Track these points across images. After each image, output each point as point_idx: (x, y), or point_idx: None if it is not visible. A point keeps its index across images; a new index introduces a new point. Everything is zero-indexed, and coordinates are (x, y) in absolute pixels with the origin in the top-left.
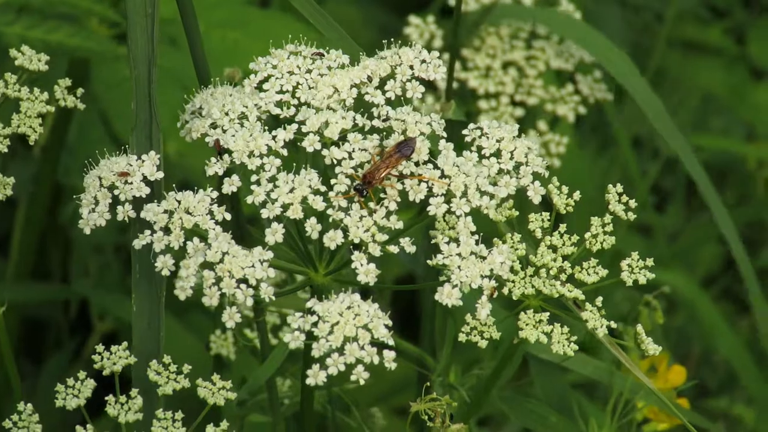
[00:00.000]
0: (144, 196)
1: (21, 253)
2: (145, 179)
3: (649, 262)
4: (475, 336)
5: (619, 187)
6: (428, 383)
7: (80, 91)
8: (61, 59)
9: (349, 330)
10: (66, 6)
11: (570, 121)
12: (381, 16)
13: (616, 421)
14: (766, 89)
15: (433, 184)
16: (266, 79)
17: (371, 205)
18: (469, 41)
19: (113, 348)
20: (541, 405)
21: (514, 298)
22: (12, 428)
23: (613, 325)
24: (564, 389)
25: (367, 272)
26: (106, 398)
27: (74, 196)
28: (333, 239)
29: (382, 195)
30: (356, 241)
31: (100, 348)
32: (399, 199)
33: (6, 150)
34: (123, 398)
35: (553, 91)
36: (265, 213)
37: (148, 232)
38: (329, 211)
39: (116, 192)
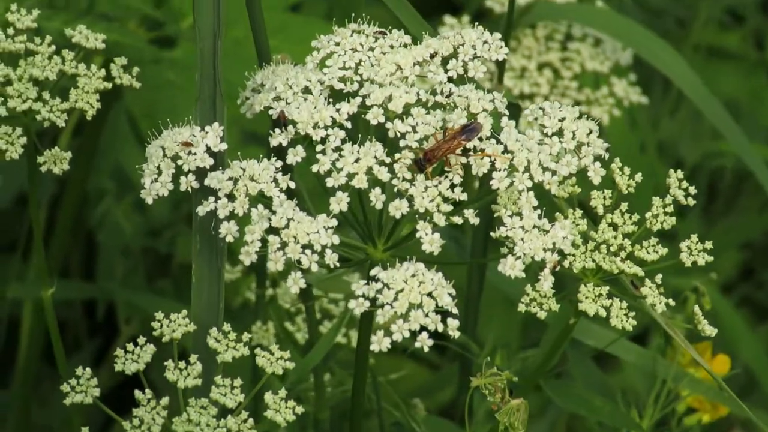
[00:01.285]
0: (207, 167)
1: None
2: (208, 150)
3: (708, 244)
4: (534, 307)
5: (680, 173)
6: (488, 359)
7: (136, 69)
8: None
9: (413, 297)
10: (106, 2)
11: (605, 123)
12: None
13: (658, 411)
14: None
15: (495, 159)
16: (329, 56)
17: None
18: (506, 42)
19: (172, 316)
20: (585, 389)
21: (575, 271)
22: (70, 392)
23: (672, 302)
24: (603, 377)
25: (431, 242)
26: (165, 363)
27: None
28: (398, 208)
29: (446, 168)
30: (421, 210)
31: (160, 316)
32: (462, 173)
33: (63, 125)
34: (182, 364)
35: (587, 93)
36: (330, 182)
37: (212, 198)
38: (394, 182)
39: (179, 162)
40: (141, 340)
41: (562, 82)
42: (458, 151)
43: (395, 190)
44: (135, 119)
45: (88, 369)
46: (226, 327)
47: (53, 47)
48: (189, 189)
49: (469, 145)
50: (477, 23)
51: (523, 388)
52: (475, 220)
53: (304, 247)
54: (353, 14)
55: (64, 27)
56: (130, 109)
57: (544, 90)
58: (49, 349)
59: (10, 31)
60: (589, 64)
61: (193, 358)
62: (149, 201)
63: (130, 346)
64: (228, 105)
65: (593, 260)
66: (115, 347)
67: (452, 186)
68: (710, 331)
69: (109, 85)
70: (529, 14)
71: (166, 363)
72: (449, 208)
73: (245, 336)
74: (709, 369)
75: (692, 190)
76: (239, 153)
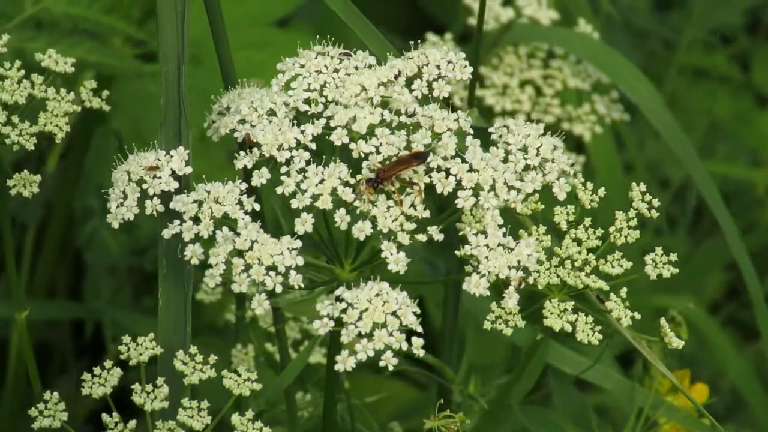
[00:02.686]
0: (173, 190)
1: (33, 275)
2: (173, 174)
3: (673, 257)
4: (500, 324)
5: (643, 186)
6: (441, 401)
7: (105, 93)
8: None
9: (378, 316)
10: (89, 23)
11: (587, 140)
12: (395, 41)
13: None
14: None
15: (461, 178)
16: (293, 78)
17: (395, 197)
18: (487, 59)
19: (139, 339)
20: (560, 416)
21: (540, 287)
22: (38, 416)
23: (637, 315)
24: (583, 404)
25: (397, 261)
26: (132, 386)
27: (104, 192)
28: (362, 230)
29: (408, 190)
30: (385, 230)
31: (127, 339)
32: (421, 193)
33: (33, 148)
34: (149, 387)
35: (569, 110)
36: (295, 203)
37: (177, 221)
38: (356, 203)
39: (144, 186)
40: (108, 363)
41: (544, 99)
42: (421, 170)
43: (357, 211)
44: (122, 139)
45: (56, 393)
46: (193, 349)
47: (22, 72)
48: (154, 213)
49: (434, 164)
50: (458, 42)
51: (493, 409)
52: (439, 237)
53: (268, 268)
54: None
55: (49, 48)
56: (116, 128)
57: (526, 107)
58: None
59: None
60: (571, 82)
61: (159, 380)
62: (115, 225)
63: (97, 370)
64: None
65: (558, 276)
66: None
67: (413, 205)
68: (677, 343)
69: (78, 108)
70: (511, 32)
71: (132, 386)
72: (412, 226)
73: (212, 358)
74: (682, 387)
75: (655, 202)
76: (224, 172)
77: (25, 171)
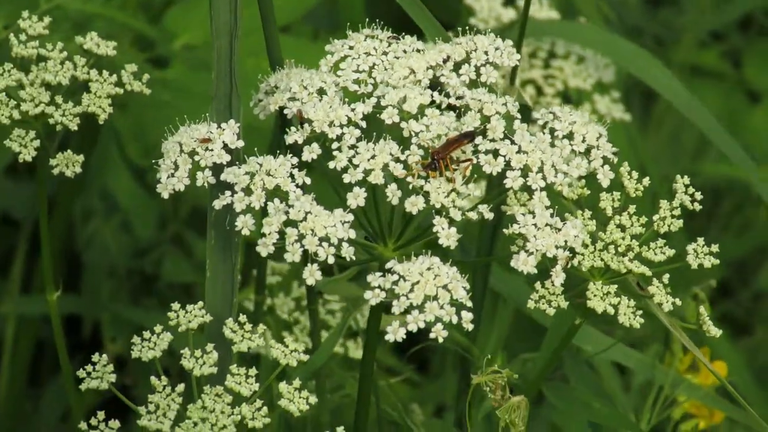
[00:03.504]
0: (225, 163)
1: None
2: (225, 146)
3: (714, 248)
4: (543, 304)
5: (686, 179)
6: (489, 357)
7: (146, 76)
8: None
9: (429, 289)
10: (102, 19)
11: None
12: None
13: (655, 416)
14: (762, 113)
15: (510, 159)
16: (342, 60)
17: (447, 174)
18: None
19: (188, 307)
20: (584, 392)
21: (584, 269)
22: (86, 378)
23: (678, 302)
24: (599, 382)
25: (448, 236)
26: (181, 351)
27: (154, 162)
28: (415, 204)
29: (455, 167)
30: (437, 205)
31: (176, 306)
32: (468, 174)
33: (75, 128)
34: (198, 353)
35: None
36: (347, 178)
37: (228, 192)
38: (409, 179)
39: (196, 158)
40: (158, 328)
41: (545, 98)
42: (469, 152)
43: (410, 187)
44: (122, 142)
45: (104, 356)
46: (242, 318)
47: (65, 53)
48: (205, 184)
49: (482, 147)
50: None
51: (525, 390)
52: (489, 215)
53: (321, 239)
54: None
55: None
56: (118, 132)
57: None
58: (31, 370)
59: (23, 37)
60: (572, 81)
61: (209, 346)
62: (165, 195)
63: (146, 334)
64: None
65: (602, 259)
66: None
67: (466, 181)
68: (715, 331)
69: (121, 91)
70: (513, 30)
71: (182, 351)
72: (464, 203)
73: (260, 328)
74: (712, 368)
75: (698, 195)
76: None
77: (69, 151)
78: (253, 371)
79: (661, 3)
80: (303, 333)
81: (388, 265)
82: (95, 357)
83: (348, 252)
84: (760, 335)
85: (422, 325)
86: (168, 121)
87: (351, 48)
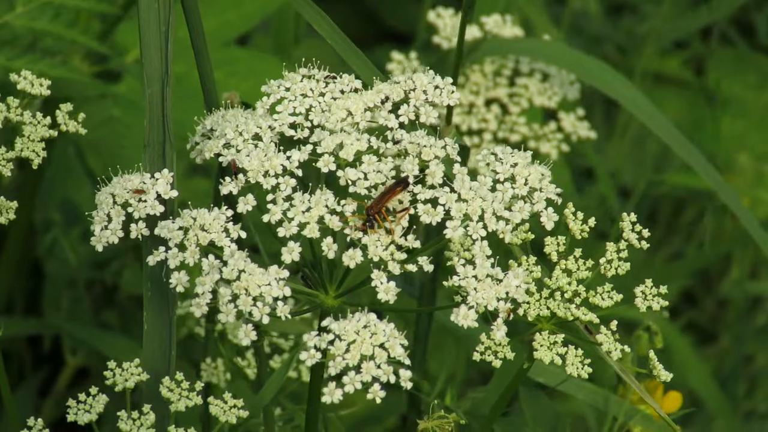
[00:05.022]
0: (158, 213)
1: None
2: (158, 197)
3: (663, 289)
4: (489, 356)
5: (633, 216)
6: (435, 402)
7: (82, 116)
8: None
9: (365, 348)
10: (51, 37)
11: (553, 158)
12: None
13: None
14: (724, 120)
15: (450, 208)
16: (279, 102)
17: (386, 225)
18: (455, 78)
19: (125, 365)
20: (534, 428)
21: (529, 319)
22: None
23: (627, 349)
24: (554, 415)
25: (387, 290)
26: (118, 414)
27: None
28: (353, 258)
29: (391, 218)
30: (375, 259)
31: (112, 364)
32: (406, 225)
33: (9, 173)
34: (135, 414)
35: (536, 129)
36: (281, 232)
37: (162, 248)
38: (347, 231)
39: (129, 210)
40: (93, 390)
41: (510, 117)
42: (407, 200)
43: (348, 239)
44: (82, 152)
45: (39, 420)
46: (179, 376)
47: None
48: (139, 236)
49: (421, 196)
50: (423, 53)
51: (476, 429)
52: (429, 268)
53: (255, 299)
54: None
55: (9, 63)
56: (77, 142)
57: (492, 126)
58: None
59: None
60: (537, 100)
61: (146, 407)
62: (99, 248)
63: (82, 396)
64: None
65: (548, 307)
66: (61, 379)
67: (405, 234)
68: (665, 376)
69: (55, 133)
70: (478, 50)
71: (119, 413)
72: (403, 256)
73: (198, 385)
74: (659, 409)
75: (645, 233)
76: (181, 186)
77: (2, 198)
78: (192, 431)
79: (623, 12)
80: (256, 357)
81: (324, 323)
82: (30, 421)
83: (283, 311)
84: (725, 342)
85: (359, 386)
86: (118, 136)
87: (287, 89)
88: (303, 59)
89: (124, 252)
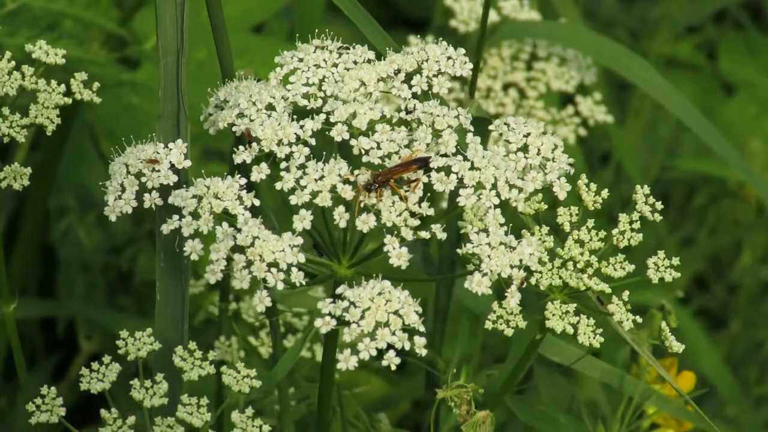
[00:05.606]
0: (171, 183)
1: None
2: (172, 167)
3: (675, 261)
4: (501, 324)
5: (647, 189)
6: (454, 371)
7: (96, 84)
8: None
9: (380, 315)
10: (69, 18)
11: (571, 142)
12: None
13: (624, 427)
14: (736, 105)
15: (463, 176)
16: (292, 72)
17: (400, 193)
18: (478, 61)
19: (137, 334)
20: (550, 406)
21: (542, 288)
22: (35, 411)
23: (639, 319)
24: (569, 393)
25: (399, 255)
26: (131, 382)
27: (102, 184)
28: (366, 222)
29: (406, 187)
30: (389, 224)
31: (125, 334)
32: (420, 193)
33: (23, 140)
34: (148, 383)
35: (553, 113)
36: (293, 200)
37: (176, 217)
38: (361, 197)
39: (143, 179)
40: (106, 358)
41: (527, 101)
42: (421, 171)
43: (362, 204)
44: (97, 138)
45: (53, 388)
46: (192, 345)
47: (13, 63)
48: (153, 206)
49: (434, 164)
50: (439, 40)
51: (489, 405)
52: (442, 235)
53: (269, 265)
54: (315, 30)
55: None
56: (92, 126)
57: (509, 110)
58: (7, 365)
59: None
60: (554, 84)
61: (159, 376)
62: (113, 218)
63: (95, 365)
64: (191, 125)
65: (560, 277)
66: (75, 363)
67: (420, 200)
68: (677, 347)
69: (69, 101)
70: (495, 34)
71: (131, 382)
72: (416, 222)
73: (210, 354)
74: (674, 384)
75: (658, 205)
76: (202, 170)
77: (15, 164)
78: (204, 400)
79: None
80: (269, 336)
81: (338, 291)
82: (44, 390)
83: (297, 277)
84: (736, 328)
85: (374, 352)
86: (137, 124)
87: (300, 60)
88: (309, 33)
89: (140, 237)
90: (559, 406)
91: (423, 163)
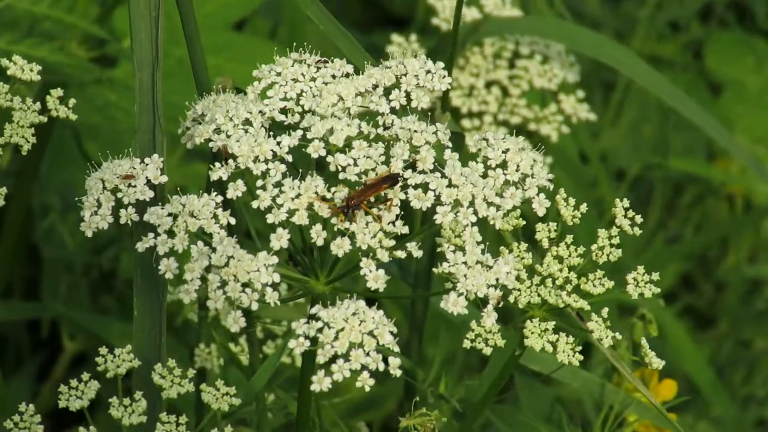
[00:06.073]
0: (148, 199)
1: None
2: (148, 182)
3: (655, 276)
4: (479, 343)
5: (626, 202)
6: (417, 399)
7: (72, 101)
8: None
9: (354, 336)
10: (50, 21)
11: (553, 140)
12: (358, 37)
13: None
14: (723, 104)
15: (440, 193)
16: (270, 87)
17: (373, 212)
18: (451, 63)
19: (116, 351)
20: (531, 416)
21: (520, 306)
22: (13, 429)
23: (618, 336)
24: (550, 402)
25: (376, 278)
26: (110, 400)
27: (78, 200)
28: (340, 246)
29: (380, 206)
30: (364, 247)
31: (104, 350)
32: (396, 211)
33: None
34: (126, 401)
35: (536, 111)
36: (270, 218)
37: (151, 235)
38: (333, 220)
39: (119, 195)
40: (85, 376)
41: (510, 99)
42: (398, 186)
43: (335, 228)
44: (79, 137)
45: (31, 405)
46: (171, 362)
47: None
48: (129, 222)
49: (411, 180)
50: (422, 36)
51: (469, 418)
52: (418, 254)
53: (244, 285)
54: (297, 30)
55: (10, 47)
56: (74, 126)
57: (492, 108)
58: None
59: None
60: (537, 82)
61: (137, 394)
62: (89, 234)
63: (74, 383)
64: (172, 126)
65: (539, 294)
66: (59, 363)
67: (392, 221)
68: (657, 363)
69: (45, 119)
70: (478, 31)
71: (110, 399)
72: (392, 243)
73: (190, 372)
74: (652, 397)
75: (638, 219)
76: (179, 171)
77: None
78: (183, 419)
79: None
80: (248, 343)
81: (312, 311)
82: (21, 407)
83: (272, 298)
84: (724, 327)
85: (348, 374)
86: (115, 121)
87: (278, 74)
88: (294, 44)
89: (122, 237)
90: (539, 416)
91: (393, 181)
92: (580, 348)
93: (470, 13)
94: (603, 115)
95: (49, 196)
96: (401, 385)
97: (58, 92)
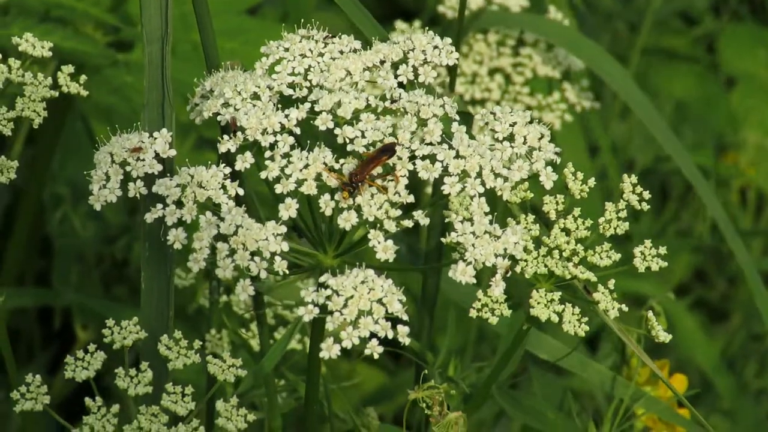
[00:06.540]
0: (156, 173)
1: (2, 261)
2: (157, 156)
3: (662, 249)
4: (486, 313)
5: (634, 178)
6: (425, 372)
7: (83, 77)
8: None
9: (363, 304)
10: (62, 9)
11: (556, 128)
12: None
13: (616, 428)
14: (736, 97)
15: (448, 164)
16: (278, 62)
17: (378, 183)
18: (457, 47)
19: (123, 323)
20: (539, 402)
21: (527, 276)
22: (20, 399)
23: (625, 308)
24: (562, 391)
25: (385, 249)
26: (116, 371)
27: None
28: (347, 220)
29: (388, 178)
30: (371, 219)
31: (110, 322)
32: (404, 183)
33: (10, 133)
34: (133, 371)
35: (539, 99)
36: (278, 188)
37: (159, 205)
38: (337, 196)
39: (128, 168)
40: (91, 347)
41: (513, 87)
42: (406, 157)
43: (341, 204)
44: (91, 128)
45: (38, 376)
46: (177, 334)
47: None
48: (138, 195)
49: (419, 152)
50: (428, 29)
51: (476, 397)
52: (425, 221)
53: (253, 254)
54: (303, 19)
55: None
56: (85, 116)
57: (495, 95)
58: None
59: None
60: (541, 70)
61: (144, 365)
62: (97, 207)
63: (80, 353)
64: (185, 115)
65: (545, 266)
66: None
67: (397, 192)
68: (664, 337)
69: (56, 94)
70: (480, 19)
71: (116, 370)
72: (398, 213)
73: (196, 343)
74: (667, 381)
75: (646, 194)
76: (191, 158)
77: (3, 157)
78: (189, 389)
79: None
80: (259, 328)
81: (321, 279)
82: (28, 377)
83: (281, 266)
84: (736, 321)
85: (357, 341)
86: (131, 103)
87: (286, 50)
88: (302, 20)
89: (134, 226)
90: (550, 403)
91: (391, 151)
92: (586, 319)
93: (475, 1)
94: (613, 107)
95: (60, 187)
96: (412, 379)
97: (69, 69)
